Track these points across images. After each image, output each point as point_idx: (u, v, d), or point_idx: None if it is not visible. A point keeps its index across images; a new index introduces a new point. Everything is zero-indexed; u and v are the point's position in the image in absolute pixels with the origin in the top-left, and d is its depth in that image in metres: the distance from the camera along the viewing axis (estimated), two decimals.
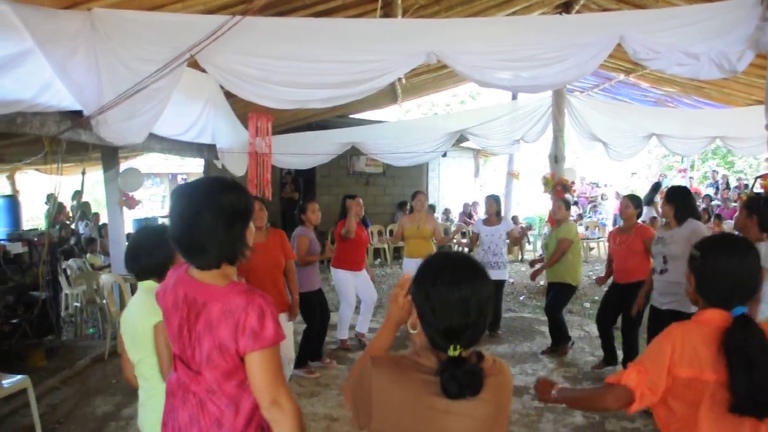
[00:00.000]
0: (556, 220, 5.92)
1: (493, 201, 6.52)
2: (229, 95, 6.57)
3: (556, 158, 8.98)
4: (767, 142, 4.26)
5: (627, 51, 4.03)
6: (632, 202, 5.26)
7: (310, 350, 5.43)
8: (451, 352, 1.37)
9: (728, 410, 1.64)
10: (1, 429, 4.33)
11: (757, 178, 10.49)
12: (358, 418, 1.47)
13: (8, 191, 13.11)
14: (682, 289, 4.20)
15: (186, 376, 1.73)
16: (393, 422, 1.40)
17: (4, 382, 4.09)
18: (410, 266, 6.83)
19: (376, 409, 1.41)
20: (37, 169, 11.92)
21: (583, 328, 6.93)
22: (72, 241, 10.53)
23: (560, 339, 5.98)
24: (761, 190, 7.26)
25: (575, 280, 5.84)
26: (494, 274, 5.76)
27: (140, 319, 2.29)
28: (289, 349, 4.57)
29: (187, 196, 1.70)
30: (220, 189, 1.68)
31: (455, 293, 1.39)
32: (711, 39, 4.03)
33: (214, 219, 1.63)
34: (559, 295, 5.91)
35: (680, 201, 4.23)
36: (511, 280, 9.75)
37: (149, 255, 2.39)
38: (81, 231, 11.11)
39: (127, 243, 7.43)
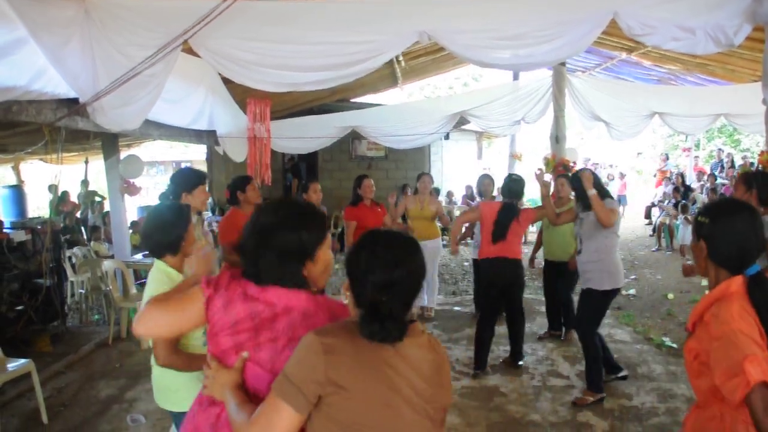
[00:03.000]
0: (558, 197, 5.76)
1: (489, 181, 6.45)
2: (227, 81, 6.57)
3: (557, 138, 8.93)
4: (764, 117, 4.23)
5: (621, 27, 3.99)
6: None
7: None
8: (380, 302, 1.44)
9: None
10: (8, 411, 4.41)
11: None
12: (306, 405, 1.40)
13: (14, 181, 13.24)
14: (591, 267, 4.23)
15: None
16: (349, 396, 1.39)
17: (8, 366, 4.17)
18: None
19: (332, 385, 1.38)
20: (41, 159, 11.99)
21: None
22: (79, 229, 10.64)
23: (568, 324, 5.80)
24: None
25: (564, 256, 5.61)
26: None
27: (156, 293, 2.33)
28: None
29: (258, 226, 1.66)
30: (283, 227, 1.63)
31: (388, 250, 1.48)
32: (706, 12, 3.99)
33: (268, 253, 1.60)
34: (567, 275, 5.57)
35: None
36: None
37: (163, 232, 2.51)
38: (90, 219, 11.19)
39: (129, 230, 7.55)
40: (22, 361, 4.26)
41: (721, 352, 1.68)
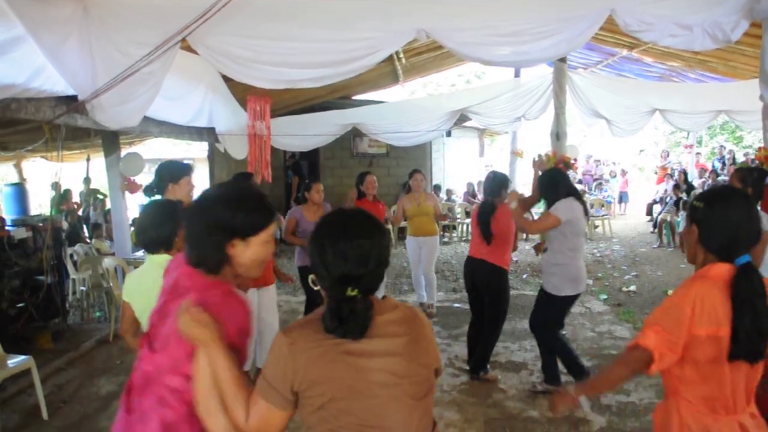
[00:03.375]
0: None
1: None
2: (227, 78, 6.58)
3: (558, 135, 8.93)
4: (762, 113, 4.23)
5: (618, 23, 4.00)
6: None
7: None
8: (348, 293, 1.41)
9: (727, 358, 1.71)
10: (8, 408, 4.44)
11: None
12: (291, 404, 1.45)
13: (16, 179, 13.28)
14: (555, 270, 4.20)
15: (146, 355, 1.76)
16: (324, 389, 1.42)
17: (8, 362, 4.20)
18: (413, 245, 6.86)
19: (305, 381, 1.42)
20: (43, 157, 12.03)
21: (584, 304, 6.95)
22: (81, 226, 10.67)
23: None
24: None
25: None
26: None
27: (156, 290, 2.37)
28: (272, 314, 4.61)
29: (196, 204, 1.77)
30: (210, 201, 1.72)
31: (350, 242, 1.43)
32: (704, 9, 3.99)
33: (194, 227, 1.68)
34: None
35: (545, 184, 4.35)
36: (515, 259, 9.77)
37: (157, 227, 2.54)
38: (92, 217, 11.23)
39: (131, 227, 7.57)
40: (22, 357, 4.29)
41: (651, 314, 1.84)
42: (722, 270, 1.76)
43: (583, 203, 4.28)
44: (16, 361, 4.24)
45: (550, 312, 4.34)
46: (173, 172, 3.39)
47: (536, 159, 5.08)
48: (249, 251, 1.68)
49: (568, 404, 1.99)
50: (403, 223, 7.57)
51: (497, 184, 4.78)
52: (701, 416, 1.77)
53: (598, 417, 4.06)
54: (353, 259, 1.42)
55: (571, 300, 4.31)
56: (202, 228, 1.65)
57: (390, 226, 12.44)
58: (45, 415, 4.24)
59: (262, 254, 1.72)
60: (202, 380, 1.50)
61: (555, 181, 4.29)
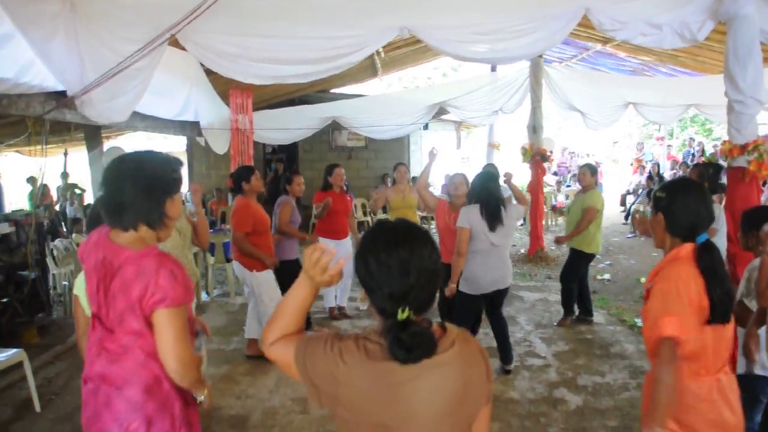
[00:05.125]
0: (582, 186, 5.87)
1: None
2: (209, 73, 6.64)
3: (535, 128, 9.17)
4: (726, 108, 4.46)
5: (593, 22, 4.18)
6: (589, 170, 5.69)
7: None
8: (400, 315, 1.32)
9: (707, 323, 1.95)
10: (0, 401, 4.48)
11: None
12: (318, 398, 1.39)
13: None
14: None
15: (102, 333, 1.89)
16: (357, 407, 1.36)
17: (0, 355, 4.23)
18: None
19: (343, 394, 1.35)
20: (17, 151, 11.87)
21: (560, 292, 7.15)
22: (58, 221, 10.57)
23: (565, 310, 6.00)
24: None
25: (590, 248, 5.75)
26: None
27: None
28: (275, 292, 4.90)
29: (117, 164, 1.88)
30: (145, 159, 1.89)
31: (393, 256, 1.34)
32: (673, 9, 4.19)
33: (133, 185, 1.82)
34: (570, 262, 5.90)
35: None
36: None
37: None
38: (68, 212, 11.14)
39: None
40: (14, 350, 4.32)
41: (652, 305, 2.00)
42: (688, 249, 2.03)
43: (489, 208, 4.30)
44: (7, 354, 4.26)
45: (459, 306, 4.58)
46: None
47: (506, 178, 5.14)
48: (175, 207, 1.92)
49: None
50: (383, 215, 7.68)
51: (451, 181, 5.06)
52: (684, 379, 1.98)
53: (574, 397, 4.27)
54: (395, 271, 1.33)
55: (470, 298, 4.49)
56: (141, 190, 1.82)
57: (368, 219, 12.67)
58: (38, 407, 4.29)
59: (179, 210, 1.96)
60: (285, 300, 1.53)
61: (471, 186, 4.51)
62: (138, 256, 1.80)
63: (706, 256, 1.99)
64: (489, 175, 4.59)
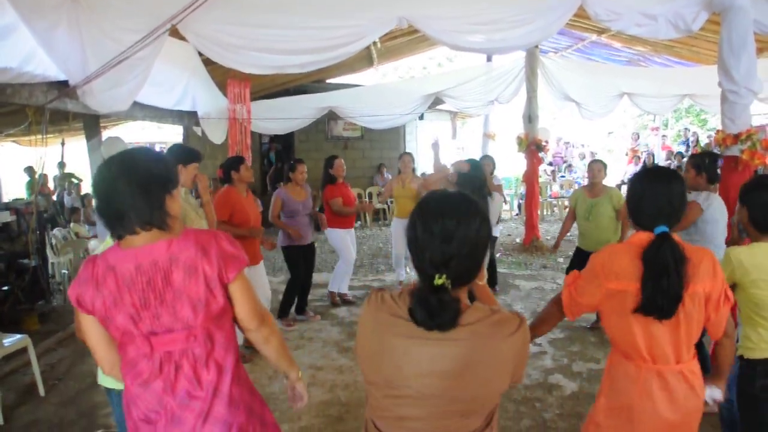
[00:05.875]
0: (593, 183, 5.47)
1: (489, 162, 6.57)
2: (207, 62, 6.66)
3: (530, 118, 9.23)
4: (720, 98, 4.54)
5: (588, 13, 4.24)
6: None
7: (291, 301, 5.77)
8: (437, 280, 1.34)
9: (632, 311, 1.94)
10: (4, 386, 4.54)
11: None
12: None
13: None
14: None
15: (156, 344, 1.72)
16: (360, 345, 1.51)
17: (4, 341, 4.29)
18: (398, 226, 7.05)
19: (358, 335, 1.53)
20: (15, 141, 11.85)
21: (555, 280, 7.27)
22: (56, 211, 10.60)
23: None
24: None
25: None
26: None
27: None
28: (265, 288, 5.00)
29: (107, 168, 1.69)
30: (137, 158, 1.72)
31: (438, 224, 1.37)
32: (668, 0, 4.25)
33: (128, 187, 1.65)
34: (579, 260, 5.53)
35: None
36: None
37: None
38: (65, 201, 11.16)
39: None
40: (18, 336, 4.39)
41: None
42: (641, 237, 2.00)
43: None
44: (12, 339, 4.33)
45: None
46: (185, 156, 3.50)
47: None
48: (176, 204, 1.79)
49: None
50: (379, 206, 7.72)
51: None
52: (622, 362, 2.05)
53: (569, 382, 4.36)
54: (438, 238, 1.36)
55: None
56: (133, 187, 1.65)
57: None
58: (42, 392, 4.36)
59: (179, 207, 1.82)
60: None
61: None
62: (184, 239, 1.70)
63: (651, 248, 1.92)
64: (473, 168, 4.62)
